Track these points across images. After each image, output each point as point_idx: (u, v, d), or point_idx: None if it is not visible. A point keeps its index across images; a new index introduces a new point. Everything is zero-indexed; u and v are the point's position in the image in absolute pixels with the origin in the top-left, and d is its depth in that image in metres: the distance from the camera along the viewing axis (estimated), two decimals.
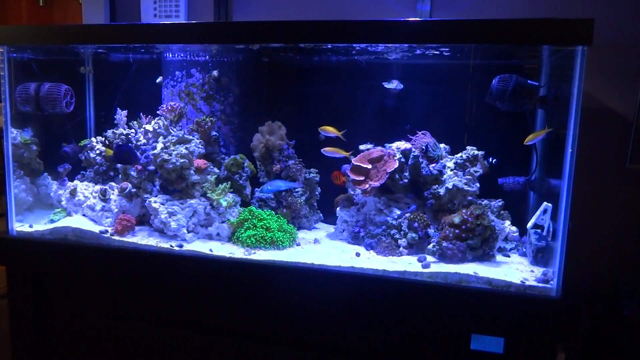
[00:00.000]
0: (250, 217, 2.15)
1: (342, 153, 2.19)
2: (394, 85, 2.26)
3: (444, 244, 1.91)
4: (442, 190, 2.06)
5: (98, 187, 2.36)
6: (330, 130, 2.21)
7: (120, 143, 2.08)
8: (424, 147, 2.07)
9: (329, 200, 2.36)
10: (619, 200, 2.32)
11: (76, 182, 2.45)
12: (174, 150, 2.19)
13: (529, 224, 1.94)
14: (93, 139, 2.52)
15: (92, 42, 2.17)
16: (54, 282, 2.19)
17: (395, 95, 2.35)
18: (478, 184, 2.06)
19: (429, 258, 1.92)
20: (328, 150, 2.21)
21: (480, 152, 2.13)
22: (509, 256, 2.02)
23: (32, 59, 2.49)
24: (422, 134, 2.11)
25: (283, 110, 2.37)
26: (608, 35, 2.21)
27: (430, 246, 1.96)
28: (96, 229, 2.19)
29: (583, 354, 2.24)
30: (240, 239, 2.10)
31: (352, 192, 2.24)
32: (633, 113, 2.26)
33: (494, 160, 2.12)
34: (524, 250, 2.05)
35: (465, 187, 2.04)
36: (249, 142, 2.46)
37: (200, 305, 2.04)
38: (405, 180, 2.13)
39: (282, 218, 2.21)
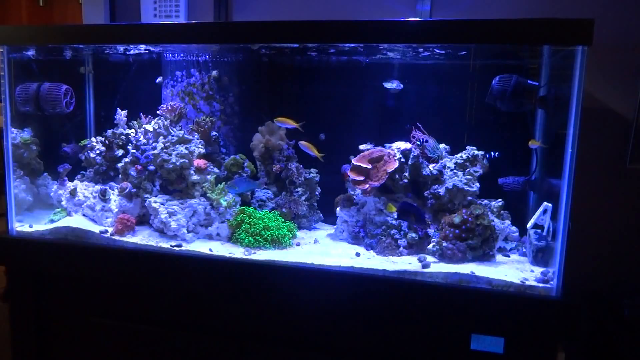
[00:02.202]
0: (246, 217, 2.15)
1: (313, 151, 2.22)
2: (394, 85, 2.26)
3: (444, 244, 1.91)
4: (442, 190, 2.06)
5: (98, 187, 2.36)
6: (286, 122, 2.23)
7: (406, 201, 2.05)
8: (419, 142, 2.07)
9: (329, 200, 2.36)
10: (619, 200, 2.32)
11: (76, 182, 2.45)
12: (174, 150, 2.19)
13: (529, 224, 1.94)
14: (93, 139, 2.52)
15: (92, 42, 2.17)
16: (54, 282, 2.19)
17: (395, 95, 2.35)
18: (478, 184, 2.06)
19: (429, 258, 1.92)
20: (303, 144, 2.24)
21: (480, 152, 2.13)
22: (509, 256, 2.02)
23: (32, 59, 2.49)
24: (418, 130, 2.11)
25: (285, 110, 2.36)
26: (608, 35, 2.21)
27: (430, 246, 1.96)
28: (96, 229, 2.19)
29: (583, 354, 2.24)
30: (239, 239, 2.09)
31: (352, 192, 2.24)
32: (633, 113, 2.26)
33: (496, 153, 2.12)
34: (524, 250, 2.05)
35: (465, 187, 2.04)
36: (249, 142, 2.46)
37: (200, 305, 2.04)
38: (405, 180, 2.13)
39: (279, 217, 2.21)
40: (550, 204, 1.86)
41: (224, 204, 2.17)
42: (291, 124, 2.23)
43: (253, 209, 2.23)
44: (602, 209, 2.34)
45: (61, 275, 2.17)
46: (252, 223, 2.11)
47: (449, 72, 2.33)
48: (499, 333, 1.73)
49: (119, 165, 2.35)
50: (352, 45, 2.05)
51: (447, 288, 1.77)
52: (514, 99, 2.03)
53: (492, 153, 2.14)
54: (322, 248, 2.13)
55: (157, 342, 2.08)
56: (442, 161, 2.14)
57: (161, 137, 2.28)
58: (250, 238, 2.07)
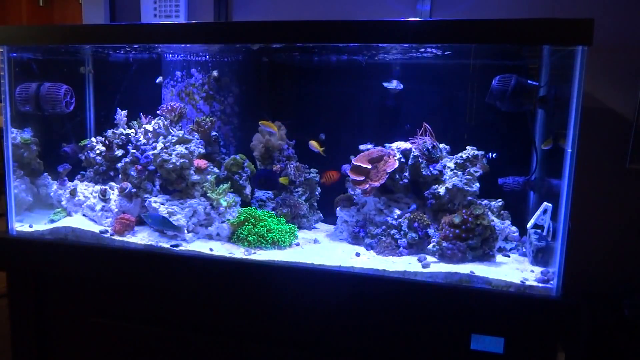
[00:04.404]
0: (250, 217, 2.15)
1: (318, 148, 2.29)
2: (394, 85, 2.26)
3: (444, 244, 1.91)
4: (442, 190, 2.06)
5: (98, 187, 2.36)
6: (269, 126, 2.29)
7: (262, 168, 2.11)
8: (428, 148, 2.07)
9: (329, 200, 2.35)
10: (619, 200, 2.32)
11: (76, 182, 2.45)
12: (173, 151, 2.19)
13: (529, 224, 1.94)
14: (93, 139, 2.52)
15: (92, 42, 2.17)
16: (54, 282, 2.19)
17: (395, 95, 2.35)
18: (478, 184, 2.06)
19: (429, 258, 1.92)
20: (312, 144, 2.31)
21: (480, 152, 2.13)
22: (509, 256, 2.02)
23: (32, 59, 2.49)
24: (422, 133, 2.11)
25: (284, 110, 2.37)
26: (608, 35, 2.21)
27: (430, 246, 1.96)
28: (96, 229, 2.19)
29: (583, 354, 2.24)
30: (241, 237, 2.09)
31: (352, 192, 2.24)
32: (633, 113, 2.26)
33: (494, 154, 2.12)
34: (524, 250, 2.05)
35: (465, 187, 2.04)
36: (249, 142, 2.46)
37: (200, 305, 2.04)
38: (405, 180, 2.13)
39: (282, 219, 2.22)
40: (550, 204, 1.86)
41: (224, 204, 2.17)
42: (272, 128, 2.28)
43: (254, 209, 2.23)
44: (602, 209, 2.34)
45: (61, 275, 2.17)
46: (255, 224, 2.11)
47: (449, 72, 2.33)
48: (499, 333, 1.73)
49: (119, 165, 2.35)
50: (352, 45, 2.05)
51: (447, 288, 1.77)
52: (514, 99, 2.03)
53: (490, 153, 2.13)
54: (322, 248, 2.13)
55: (157, 342, 2.08)
56: (442, 161, 2.14)
57: (161, 137, 2.28)
58: (253, 237, 2.07)
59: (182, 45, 2.30)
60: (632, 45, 2.23)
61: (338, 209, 2.24)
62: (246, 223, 2.13)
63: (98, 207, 2.28)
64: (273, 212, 2.27)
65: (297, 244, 2.14)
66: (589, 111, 2.09)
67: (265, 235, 2.08)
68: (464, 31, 1.69)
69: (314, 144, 2.28)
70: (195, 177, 2.19)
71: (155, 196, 2.20)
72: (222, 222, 2.18)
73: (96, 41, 2.12)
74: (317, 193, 2.43)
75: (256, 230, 2.09)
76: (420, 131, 2.11)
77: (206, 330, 2.03)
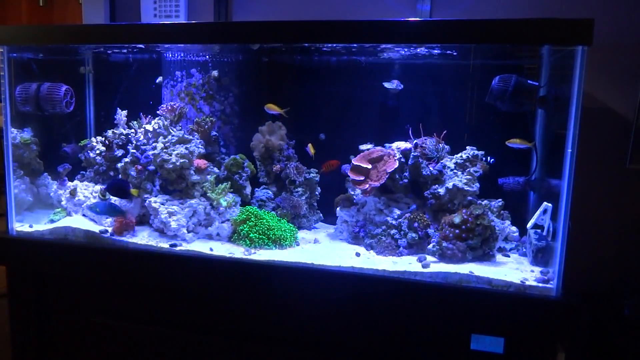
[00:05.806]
0: (251, 215, 2.15)
1: (311, 150, 2.33)
2: (394, 85, 2.26)
3: (444, 244, 1.91)
4: (442, 190, 2.06)
5: (98, 187, 2.36)
6: (273, 108, 2.31)
7: (115, 178, 2.15)
8: (426, 144, 2.07)
9: (329, 200, 2.36)
10: (619, 200, 2.32)
11: (76, 182, 2.45)
12: (174, 150, 2.19)
13: (529, 224, 1.94)
14: (93, 139, 2.52)
15: (92, 42, 2.17)
16: (54, 282, 2.19)
17: (395, 95, 2.35)
18: (478, 184, 2.06)
19: (429, 258, 1.92)
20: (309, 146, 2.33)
21: (480, 152, 2.13)
22: (509, 256, 2.02)
23: (32, 59, 2.49)
24: (424, 138, 2.12)
25: (289, 115, 2.36)
26: (608, 35, 2.21)
27: (430, 246, 1.96)
28: (96, 229, 2.19)
29: (583, 354, 2.24)
30: (242, 234, 2.09)
31: (352, 192, 2.24)
32: (633, 113, 2.26)
33: (492, 160, 2.12)
34: (524, 250, 2.05)
35: (465, 187, 2.04)
36: (249, 142, 2.46)
37: (200, 305, 2.04)
38: (405, 180, 2.13)
39: (282, 219, 2.22)
40: (550, 204, 1.86)
41: (224, 204, 2.17)
42: (277, 110, 2.29)
43: (255, 209, 2.23)
44: (602, 209, 2.33)
45: (61, 275, 2.17)
46: (257, 223, 2.12)
47: (449, 72, 2.33)
48: (499, 333, 1.73)
49: (119, 165, 2.35)
50: (352, 45, 2.05)
51: (447, 288, 1.77)
52: (514, 99, 2.03)
53: (488, 157, 2.13)
54: (322, 248, 2.13)
55: (157, 342, 2.08)
56: (442, 161, 2.14)
57: (161, 137, 2.28)
58: (254, 234, 2.07)
59: (182, 45, 2.30)
60: (632, 45, 2.23)
61: (338, 209, 2.25)
62: (247, 221, 2.13)
63: None
64: (274, 212, 2.28)
65: (297, 244, 2.14)
66: (589, 111, 2.10)
67: (267, 232, 2.08)
68: (464, 31, 1.70)
69: (309, 146, 2.29)
70: (195, 177, 2.19)
71: (155, 196, 2.20)
72: (222, 222, 2.18)
73: (96, 41, 2.12)
74: (317, 193, 2.43)
75: (257, 228, 2.09)
76: (411, 129, 2.11)
77: (206, 330, 2.03)
